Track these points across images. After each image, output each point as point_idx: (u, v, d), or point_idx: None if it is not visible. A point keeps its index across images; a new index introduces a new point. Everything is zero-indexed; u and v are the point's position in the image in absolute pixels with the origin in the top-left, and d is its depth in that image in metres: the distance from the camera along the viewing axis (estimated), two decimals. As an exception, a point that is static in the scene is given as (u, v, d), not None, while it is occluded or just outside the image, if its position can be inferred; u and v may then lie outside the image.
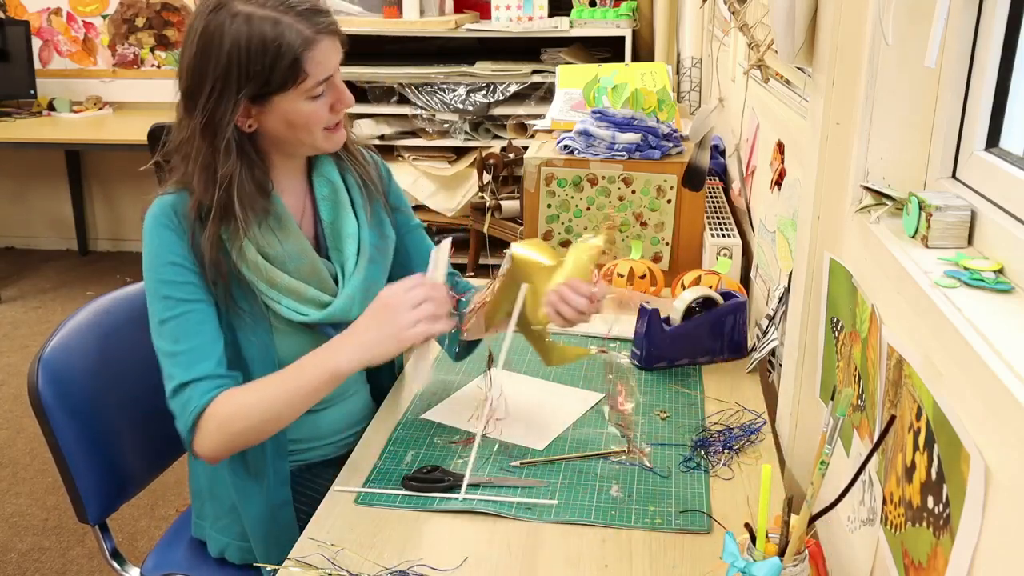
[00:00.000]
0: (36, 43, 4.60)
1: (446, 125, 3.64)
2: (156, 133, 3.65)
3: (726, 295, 1.63)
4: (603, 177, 2.05)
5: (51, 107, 4.50)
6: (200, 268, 1.26)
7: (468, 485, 1.24)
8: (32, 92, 4.42)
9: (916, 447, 0.84)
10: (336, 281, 1.36)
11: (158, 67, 4.63)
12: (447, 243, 1.30)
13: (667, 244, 2.07)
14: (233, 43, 1.17)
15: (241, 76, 1.18)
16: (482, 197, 3.10)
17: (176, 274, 1.25)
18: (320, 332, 1.33)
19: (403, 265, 1.47)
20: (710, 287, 1.67)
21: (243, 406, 1.23)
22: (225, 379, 1.25)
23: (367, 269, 1.37)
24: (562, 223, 2.10)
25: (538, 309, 1.28)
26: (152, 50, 4.61)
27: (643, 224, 2.07)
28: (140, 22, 4.58)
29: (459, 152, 3.72)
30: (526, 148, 2.26)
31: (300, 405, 1.25)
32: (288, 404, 1.24)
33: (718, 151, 2.56)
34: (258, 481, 1.34)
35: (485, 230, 3.03)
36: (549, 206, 2.10)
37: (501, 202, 3.01)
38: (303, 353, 1.28)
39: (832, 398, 0.89)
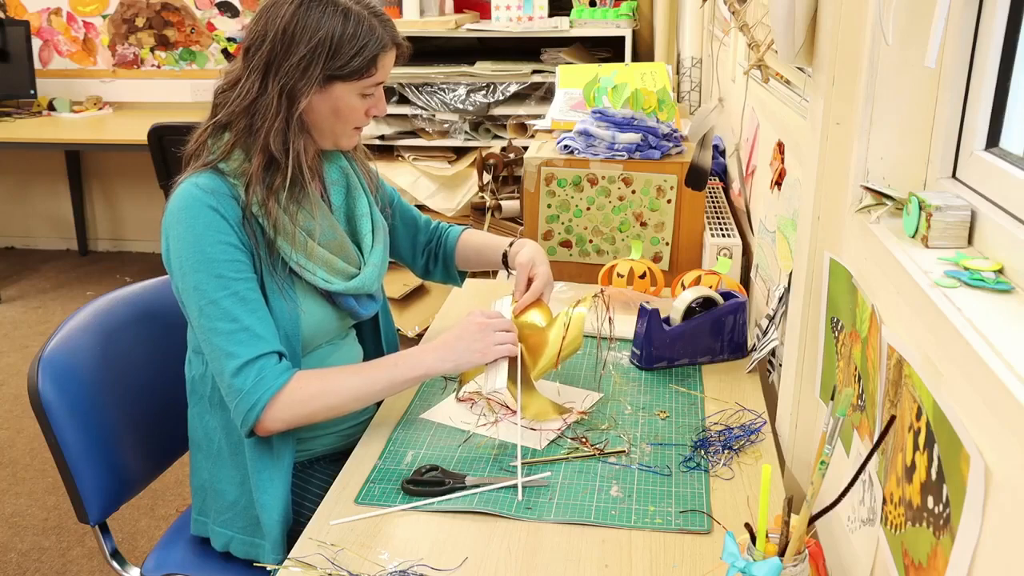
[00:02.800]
0: (36, 43, 4.60)
1: (446, 125, 3.64)
2: (156, 133, 3.65)
3: (726, 295, 1.63)
4: (603, 177, 2.05)
5: (51, 107, 4.50)
6: (251, 243, 1.32)
7: (468, 486, 1.24)
8: (32, 92, 4.42)
9: (916, 447, 0.84)
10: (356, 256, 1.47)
11: (158, 67, 4.63)
12: (509, 299, 1.56)
13: (667, 244, 2.07)
14: (332, 26, 1.30)
15: (328, 55, 1.30)
16: (482, 197, 3.09)
17: (226, 253, 1.29)
18: (342, 303, 1.43)
19: (407, 223, 1.72)
20: (710, 287, 1.67)
21: (331, 384, 1.33)
22: (282, 355, 1.32)
23: (382, 244, 1.50)
24: (562, 223, 2.10)
25: (535, 365, 1.44)
26: (152, 50, 4.61)
27: (643, 224, 2.07)
28: (140, 22, 4.58)
29: (459, 152, 3.72)
30: (526, 148, 2.26)
31: (382, 394, 1.39)
32: (374, 392, 1.36)
33: (718, 151, 2.55)
34: (273, 473, 1.36)
35: (485, 230, 3.04)
36: (549, 206, 2.10)
37: (501, 202, 3.01)
38: (324, 322, 1.42)
39: (832, 398, 0.89)
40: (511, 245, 1.66)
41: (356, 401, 1.36)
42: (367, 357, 1.59)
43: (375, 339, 1.61)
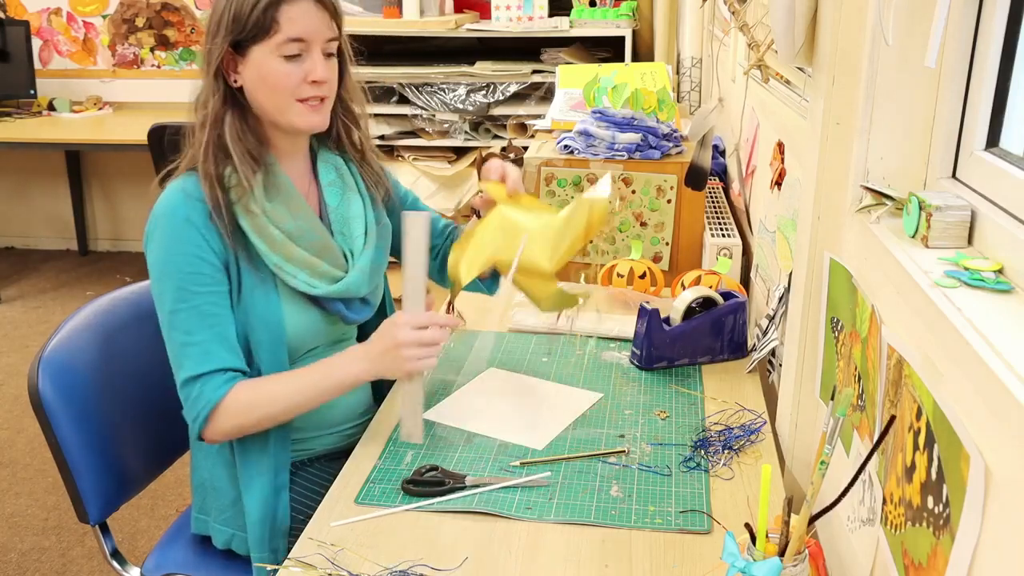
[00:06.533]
0: (36, 43, 4.60)
1: (446, 125, 3.64)
2: (156, 133, 3.65)
3: (726, 295, 1.63)
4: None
5: (51, 107, 4.50)
6: (224, 251, 1.30)
7: (468, 486, 1.24)
8: (32, 92, 4.42)
9: (916, 447, 0.84)
10: (346, 259, 1.42)
11: (158, 67, 4.63)
12: (423, 221, 1.30)
13: (667, 244, 2.07)
14: None
15: (228, 19, 1.28)
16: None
17: (192, 265, 1.29)
18: (330, 307, 1.40)
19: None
20: (710, 287, 1.67)
21: (264, 395, 1.31)
22: (236, 372, 1.31)
23: (374, 248, 1.45)
24: (562, 223, 2.10)
25: (545, 258, 1.35)
26: (152, 50, 4.61)
27: (643, 224, 2.07)
28: (140, 22, 4.58)
29: (459, 152, 3.72)
30: (526, 148, 2.26)
31: (316, 402, 1.35)
32: (307, 400, 1.34)
33: (718, 151, 2.55)
34: (260, 470, 1.35)
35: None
36: (549, 206, 2.09)
37: (501, 202, 3.01)
38: (311, 326, 1.39)
39: (832, 398, 0.89)
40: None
41: (292, 410, 1.34)
42: None
43: None
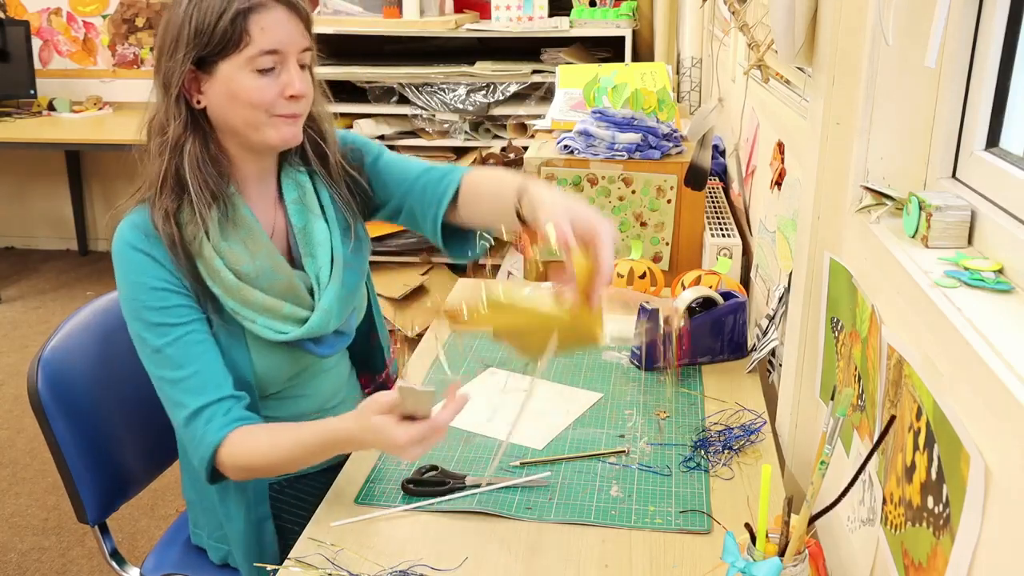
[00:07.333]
0: (36, 43, 4.60)
1: (446, 125, 3.63)
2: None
3: (726, 295, 1.63)
4: (603, 177, 2.05)
5: (51, 107, 4.50)
6: (183, 280, 1.22)
7: (468, 486, 1.24)
8: (32, 92, 4.42)
9: (916, 447, 0.84)
10: (312, 293, 1.31)
11: (158, 67, 4.63)
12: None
13: (667, 244, 2.07)
14: (191, 3, 1.17)
15: (190, 33, 1.17)
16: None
17: (160, 299, 1.21)
18: (299, 347, 1.30)
19: (391, 187, 1.41)
20: (710, 287, 1.67)
21: (260, 449, 1.20)
22: (236, 400, 1.22)
23: (343, 276, 1.33)
24: (562, 223, 2.09)
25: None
26: (152, 50, 4.61)
27: (643, 224, 2.07)
28: (140, 22, 4.58)
29: (459, 152, 3.71)
30: (526, 148, 2.26)
31: (316, 461, 1.23)
32: (305, 461, 1.22)
33: (718, 151, 2.56)
34: (239, 499, 1.32)
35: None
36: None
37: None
38: (281, 369, 1.30)
39: (832, 398, 0.89)
40: (521, 200, 1.22)
41: (289, 467, 1.23)
42: (356, 363, 1.51)
43: (366, 348, 1.50)
